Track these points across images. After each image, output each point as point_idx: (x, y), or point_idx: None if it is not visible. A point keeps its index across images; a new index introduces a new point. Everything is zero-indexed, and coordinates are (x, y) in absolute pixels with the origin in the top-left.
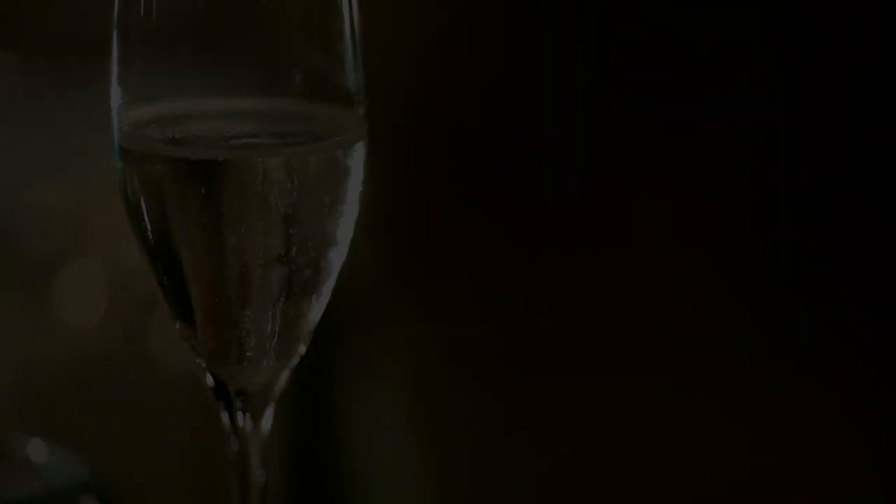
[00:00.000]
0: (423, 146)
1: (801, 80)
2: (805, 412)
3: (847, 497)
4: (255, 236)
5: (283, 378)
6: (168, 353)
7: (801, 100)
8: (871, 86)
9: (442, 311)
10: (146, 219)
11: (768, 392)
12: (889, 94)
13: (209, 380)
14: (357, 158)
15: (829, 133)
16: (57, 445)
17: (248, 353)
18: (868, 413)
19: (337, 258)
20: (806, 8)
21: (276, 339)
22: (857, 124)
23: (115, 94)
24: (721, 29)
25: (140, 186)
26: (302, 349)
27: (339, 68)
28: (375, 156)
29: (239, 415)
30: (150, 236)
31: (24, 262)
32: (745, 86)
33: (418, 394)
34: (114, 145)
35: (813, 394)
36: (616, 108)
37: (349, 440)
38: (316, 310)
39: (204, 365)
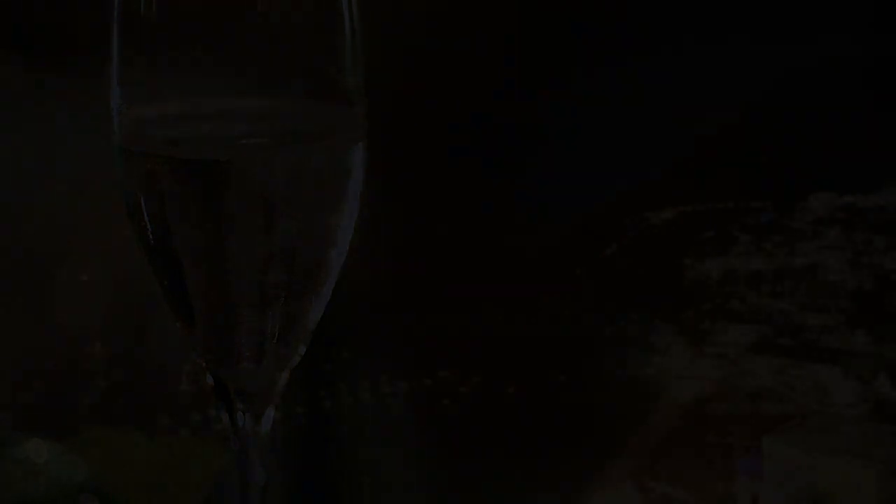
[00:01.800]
0: (423, 146)
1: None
2: None
3: None
4: (254, 236)
5: (283, 378)
6: (168, 353)
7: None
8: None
9: (442, 311)
10: (146, 219)
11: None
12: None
13: (209, 380)
14: (357, 158)
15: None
16: (57, 445)
17: (248, 354)
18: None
19: (337, 258)
20: None
21: (276, 340)
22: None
23: (115, 94)
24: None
25: (140, 186)
26: (302, 349)
27: (338, 68)
28: (375, 156)
29: (239, 415)
30: (150, 236)
31: (24, 262)
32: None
33: (418, 393)
34: (114, 145)
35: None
36: (619, 109)
37: (349, 440)
38: (316, 310)
39: (204, 365)
